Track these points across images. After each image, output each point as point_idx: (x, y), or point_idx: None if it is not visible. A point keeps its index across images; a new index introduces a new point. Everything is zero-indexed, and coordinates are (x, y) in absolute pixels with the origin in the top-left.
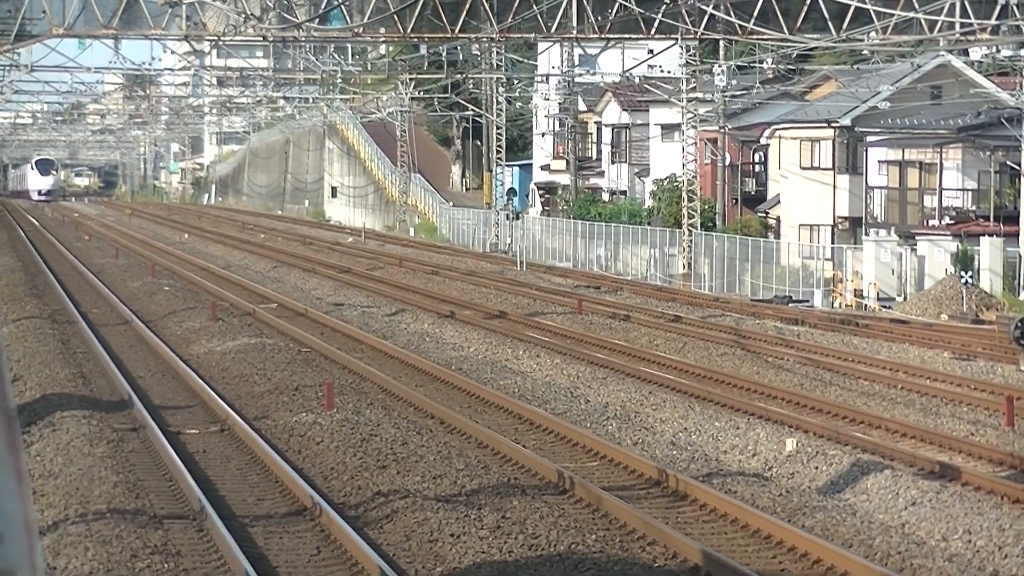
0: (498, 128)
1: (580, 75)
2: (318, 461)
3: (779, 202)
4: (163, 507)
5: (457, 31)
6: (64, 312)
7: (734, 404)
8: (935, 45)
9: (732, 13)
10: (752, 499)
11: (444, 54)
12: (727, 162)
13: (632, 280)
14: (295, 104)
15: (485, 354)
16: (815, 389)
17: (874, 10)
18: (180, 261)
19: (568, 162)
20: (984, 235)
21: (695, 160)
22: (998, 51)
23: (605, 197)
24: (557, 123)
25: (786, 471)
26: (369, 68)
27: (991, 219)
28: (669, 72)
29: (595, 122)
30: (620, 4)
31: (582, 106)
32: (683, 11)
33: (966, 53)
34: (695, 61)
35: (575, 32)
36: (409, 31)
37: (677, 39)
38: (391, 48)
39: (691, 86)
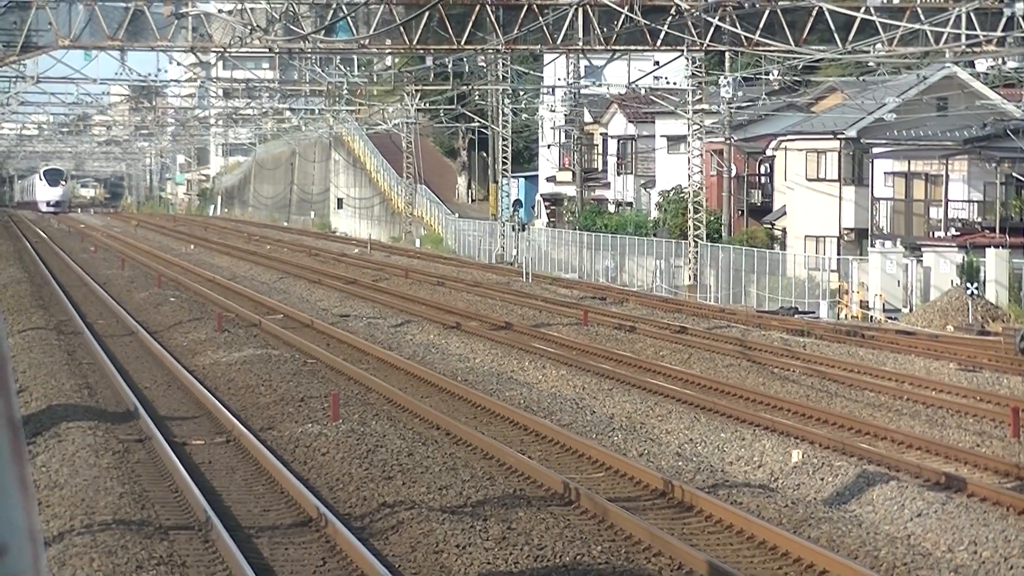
0: (504, 139)
1: (586, 87)
2: (324, 472)
3: (785, 213)
4: (169, 518)
5: (463, 43)
6: (70, 323)
7: (740, 415)
8: (941, 57)
9: (738, 25)
10: (758, 510)
11: (450, 65)
12: (733, 173)
13: (638, 291)
14: (301, 115)
15: (491, 365)
16: (821, 400)
17: (880, 22)
18: (186, 272)
19: (574, 173)
20: (990, 246)
21: (701, 171)
22: (1004, 63)
23: (611, 208)
24: (563, 135)
25: (792, 482)
26: (375, 79)
27: (997, 230)
28: (675, 84)
29: (601, 133)
30: (626, 16)
31: (588, 118)
32: (689, 23)
33: (972, 65)
34: (701, 73)
35: (581, 44)
36: (415, 43)
37: (683, 51)
38: (397, 60)
39: (697, 97)
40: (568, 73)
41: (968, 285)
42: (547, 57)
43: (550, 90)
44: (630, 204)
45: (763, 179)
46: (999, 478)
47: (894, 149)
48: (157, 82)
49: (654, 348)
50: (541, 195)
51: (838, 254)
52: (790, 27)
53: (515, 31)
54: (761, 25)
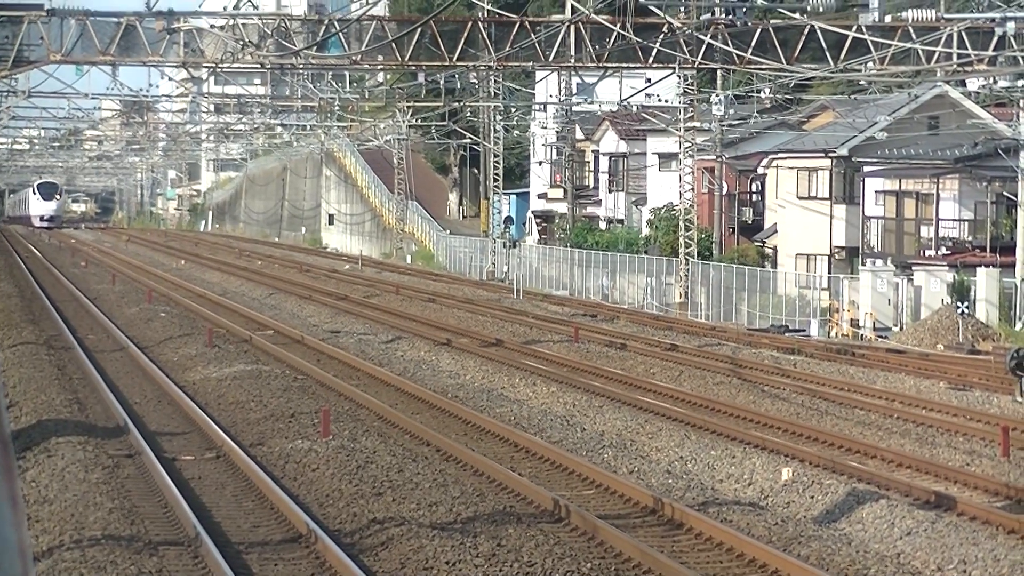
0: (495, 156)
1: (578, 104)
2: (314, 488)
3: (776, 231)
4: (158, 533)
5: (455, 59)
6: (60, 338)
7: (730, 433)
8: (932, 76)
9: (730, 43)
10: (748, 528)
11: (442, 82)
12: (724, 191)
13: (629, 308)
14: (292, 131)
15: (481, 382)
16: (811, 418)
17: (872, 40)
18: (177, 287)
19: (565, 190)
20: (980, 265)
21: (692, 189)
22: (995, 82)
23: (602, 226)
24: (555, 151)
25: (782, 500)
26: (367, 96)
27: (987, 249)
28: (667, 101)
29: (592, 151)
30: (618, 33)
31: (580, 135)
32: (681, 40)
33: (963, 84)
34: (693, 90)
35: (573, 61)
36: (407, 59)
37: (675, 68)
38: (389, 76)
39: (689, 115)
40: (560, 90)
41: (958, 304)
42: (539, 74)
43: (542, 107)
44: (621, 221)
45: (754, 197)
46: (989, 497)
47: (885, 168)
48: (148, 97)
49: (645, 365)
50: (532, 212)
51: (829, 272)
52: (782, 45)
53: (507, 48)
54: (753, 43)
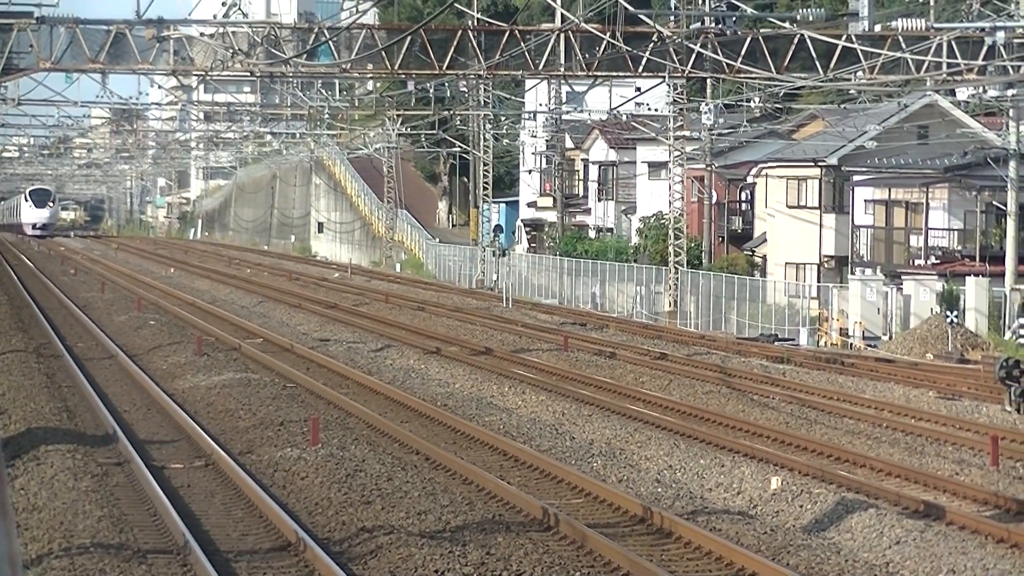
0: (485, 165)
1: (567, 112)
2: (303, 496)
3: (765, 240)
4: (147, 542)
5: (445, 68)
6: (50, 346)
7: (719, 442)
8: (922, 85)
9: (720, 52)
10: (737, 537)
11: (432, 90)
12: (714, 200)
13: (618, 317)
14: (282, 139)
15: (471, 390)
16: (800, 427)
17: (861, 50)
18: (166, 295)
19: (555, 199)
20: (970, 275)
21: (682, 198)
22: (984, 91)
23: (592, 234)
24: (544, 160)
25: (771, 509)
26: (356, 104)
27: (977, 259)
28: (656, 110)
29: (582, 159)
30: (608, 42)
31: (569, 143)
32: (671, 49)
33: (953, 93)
34: (682, 99)
35: (563, 69)
36: (397, 67)
37: (664, 77)
38: (379, 84)
39: (678, 124)
40: (550, 99)
41: (948, 313)
42: (529, 83)
43: (531, 116)
44: (611, 230)
45: (744, 206)
46: (978, 506)
47: (875, 177)
48: (138, 105)
49: (634, 374)
50: (522, 220)
51: (818, 281)
52: (772, 54)
53: (497, 57)
54: (743, 52)
